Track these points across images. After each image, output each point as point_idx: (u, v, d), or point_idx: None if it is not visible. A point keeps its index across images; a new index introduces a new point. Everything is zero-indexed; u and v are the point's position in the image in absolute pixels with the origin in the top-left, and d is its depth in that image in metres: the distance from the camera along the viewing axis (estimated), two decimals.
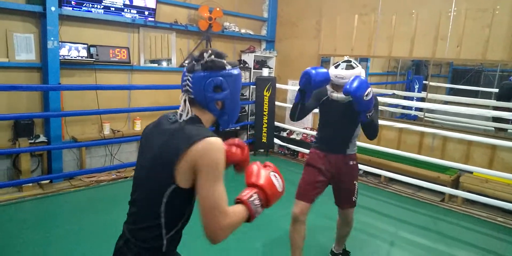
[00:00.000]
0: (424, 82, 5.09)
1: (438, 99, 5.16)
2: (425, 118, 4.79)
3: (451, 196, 4.16)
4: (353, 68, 2.18)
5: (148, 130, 1.33)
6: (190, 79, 1.22)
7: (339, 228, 2.74)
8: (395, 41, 4.79)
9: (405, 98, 5.49)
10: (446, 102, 5.12)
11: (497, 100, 4.72)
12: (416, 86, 5.47)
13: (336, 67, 2.22)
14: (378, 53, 4.99)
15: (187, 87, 1.23)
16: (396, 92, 5.81)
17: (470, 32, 4.15)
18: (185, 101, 1.24)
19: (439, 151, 4.47)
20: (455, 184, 4.19)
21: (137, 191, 1.27)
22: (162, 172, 1.15)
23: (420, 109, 4.95)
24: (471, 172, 4.14)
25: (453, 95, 5.42)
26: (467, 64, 5.36)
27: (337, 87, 2.21)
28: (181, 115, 1.22)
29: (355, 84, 1.98)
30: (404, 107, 5.38)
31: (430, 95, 4.81)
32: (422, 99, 5.02)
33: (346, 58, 2.29)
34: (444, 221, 3.69)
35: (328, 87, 2.26)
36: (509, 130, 4.40)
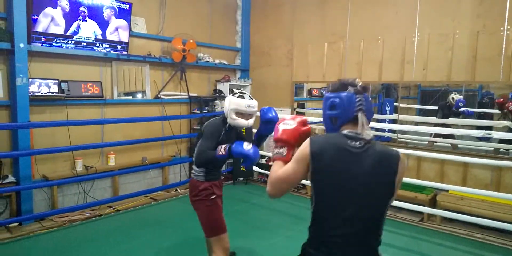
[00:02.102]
0: (395, 104, 5.25)
1: (409, 120, 5.32)
2: (398, 139, 4.91)
3: (430, 215, 4.19)
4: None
5: (330, 159, 1.38)
6: (363, 99, 1.43)
7: None
8: (364, 66, 4.96)
9: (378, 120, 5.63)
10: (417, 123, 5.27)
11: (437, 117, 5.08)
12: (388, 108, 5.64)
13: (241, 97, 2.47)
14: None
15: (362, 107, 1.43)
16: None
17: (434, 55, 4.36)
18: (362, 119, 1.43)
19: (414, 171, 4.55)
20: (433, 203, 4.24)
21: (364, 213, 1.38)
22: (382, 188, 1.38)
23: (393, 131, 5.07)
24: (447, 190, 4.21)
25: (423, 115, 5.61)
26: (434, 85, 5.58)
27: (242, 115, 2.46)
28: (367, 134, 1.40)
29: (273, 112, 2.50)
30: (377, 129, 5.51)
31: (402, 117, 4.96)
32: (394, 121, 5.16)
33: (241, 90, 2.59)
34: (425, 241, 3.69)
35: (233, 116, 2.43)
36: (478, 147, 4.55)
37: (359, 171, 1.36)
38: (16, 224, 3.76)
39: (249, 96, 2.52)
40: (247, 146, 2.25)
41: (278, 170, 1.42)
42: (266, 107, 2.53)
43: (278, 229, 3.95)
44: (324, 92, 1.77)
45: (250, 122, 2.50)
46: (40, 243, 3.49)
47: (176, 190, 5.24)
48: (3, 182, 3.70)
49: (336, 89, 1.47)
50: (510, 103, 4.42)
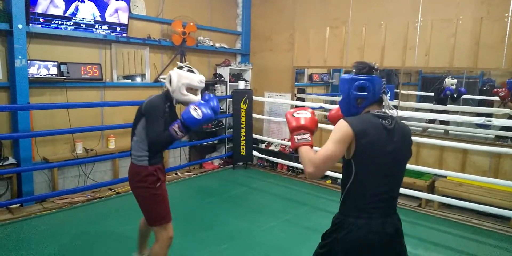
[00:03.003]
0: (395, 90, 5.24)
1: (410, 106, 5.31)
2: None
3: (428, 201, 4.24)
4: None
5: (372, 137, 1.51)
6: (385, 83, 1.63)
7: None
8: (366, 52, 4.92)
9: None
10: (417, 109, 5.27)
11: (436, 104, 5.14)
12: (388, 95, 5.61)
13: (191, 72, 2.33)
14: (350, 64, 5.07)
15: (385, 89, 1.62)
16: None
17: (437, 41, 4.32)
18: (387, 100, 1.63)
19: (413, 157, 4.57)
20: (431, 189, 4.28)
21: (393, 182, 1.59)
22: (407, 157, 1.65)
23: None
24: (445, 177, 4.24)
25: (423, 102, 5.60)
26: (436, 72, 5.55)
27: (191, 90, 2.33)
28: (392, 113, 1.62)
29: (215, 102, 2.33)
30: None
31: (402, 103, 4.94)
32: (394, 107, 5.15)
33: (186, 63, 2.42)
34: (422, 226, 3.74)
35: (184, 91, 2.28)
36: (478, 134, 4.57)
37: (394, 146, 1.55)
38: (18, 205, 3.80)
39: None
40: (194, 111, 2.12)
41: (314, 152, 1.51)
42: (211, 94, 2.38)
43: (276, 213, 3.99)
44: (342, 74, 1.83)
45: (199, 97, 2.36)
46: (41, 224, 3.53)
47: (176, 174, 5.27)
48: (4, 163, 3.71)
49: (365, 72, 1.60)
50: (499, 90, 4.43)
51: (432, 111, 5.03)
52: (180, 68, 2.34)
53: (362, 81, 1.58)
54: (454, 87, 5.07)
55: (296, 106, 5.76)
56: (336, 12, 5.17)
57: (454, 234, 3.59)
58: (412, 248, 3.24)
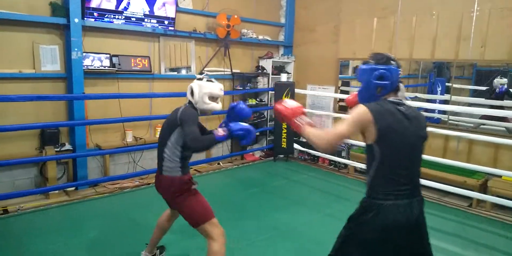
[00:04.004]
0: (447, 84, 4.97)
1: (462, 101, 5.02)
2: (449, 121, 4.67)
3: (479, 201, 4.02)
4: None
5: (390, 121, 1.62)
6: (401, 72, 1.71)
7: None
8: (416, 43, 4.71)
9: (428, 101, 5.37)
10: (470, 104, 4.97)
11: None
12: (439, 89, 5.34)
13: (211, 81, 2.44)
14: (398, 56, 4.91)
15: (400, 79, 1.71)
16: (418, 95, 5.69)
17: (495, 31, 4.04)
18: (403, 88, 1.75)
19: (464, 155, 4.34)
20: (483, 189, 4.06)
21: (415, 165, 1.71)
22: (423, 140, 1.73)
23: (444, 112, 4.82)
24: (500, 176, 3.99)
25: (477, 97, 5.27)
26: (492, 65, 5.19)
27: (213, 99, 2.40)
28: (406, 100, 1.73)
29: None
30: (426, 110, 5.26)
31: (454, 97, 4.69)
32: (445, 102, 4.89)
33: (205, 74, 2.51)
34: (473, 227, 3.56)
35: (206, 100, 2.36)
36: None
37: (411, 129, 1.65)
38: (73, 188, 4.07)
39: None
40: (242, 123, 2.29)
41: (322, 131, 1.68)
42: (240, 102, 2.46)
43: (318, 206, 3.97)
44: (362, 64, 1.80)
45: (220, 105, 2.45)
46: (94, 207, 3.77)
47: (218, 164, 5.38)
48: (61, 149, 3.98)
49: (383, 62, 1.68)
50: None
51: (487, 106, 4.69)
52: (199, 79, 2.43)
53: (381, 70, 1.66)
54: (506, 86, 4.71)
55: (341, 91, 5.65)
56: (385, 1, 4.98)
57: (507, 237, 3.39)
58: (462, 249, 3.12)
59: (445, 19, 4.43)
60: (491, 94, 4.79)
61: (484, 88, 5.19)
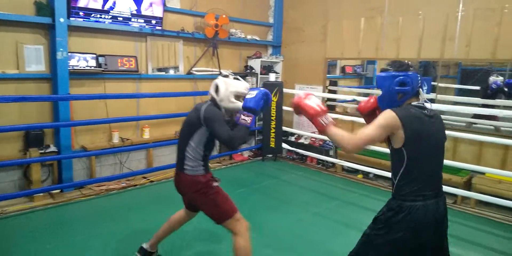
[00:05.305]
0: (433, 83, 5.04)
1: (448, 100, 5.10)
2: None
3: (464, 198, 4.09)
4: None
5: (417, 126, 1.69)
6: (421, 78, 1.78)
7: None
8: (403, 43, 4.76)
9: None
10: (455, 103, 5.04)
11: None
12: (425, 88, 5.39)
13: (237, 79, 2.42)
14: (385, 55, 4.96)
15: (420, 84, 1.77)
16: None
17: (479, 31, 4.11)
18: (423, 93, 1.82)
19: (450, 153, 4.41)
20: (468, 186, 4.12)
21: (439, 165, 1.80)
22: (444, 142, 1.83)
23: None
24: (484, 173, 4.06)
25: (462, 95, 5.35)
26: (476, 65, 5.28)
27: (238, 98, 2.35)
28: (428, 104, 1.79)
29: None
30: None
31: (440, 96, 4.76)
32: (431, 100, 4.95)
33: (230, 71, 2.45)
34: (458, 224, 3.61)
35: (232, 99, 2.32)
36: None
37: (435, 132, 1.75)
38: (58, 191, 4.00)
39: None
40: (252, 94, 2.22)
41: (346, 132, 1.71)
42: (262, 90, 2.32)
43: (306, 205, 3.99)
44: (381, 72, 1.87)
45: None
46: (80, 210, 3.71)
47: None
48: (46, 151, 3.91)
49: (403, 69, 1.76)
50: None
51: (475, 105, 4.76)
52: (226, 76, 2.39)
53: (402, 77, 1.73)
54: (499, 83, 4.79)
55: (329, 91, 5.68)
56: (372, 2, 5.02)
57: (491, 233, 3.45)
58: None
59: (431, 20, 4.49)
60: (486, 90, 4.83)
61: (470, 87, 5.27)
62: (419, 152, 1.69)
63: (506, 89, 4.66)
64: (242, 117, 2.20)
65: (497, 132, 4.40)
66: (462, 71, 5.63)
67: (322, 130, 1.76)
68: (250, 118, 2.19)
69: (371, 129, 1.66)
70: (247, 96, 2.22)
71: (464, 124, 4.77)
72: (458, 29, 4.27)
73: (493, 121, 4.51)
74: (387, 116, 1.67)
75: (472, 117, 4.68)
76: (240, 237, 2.24)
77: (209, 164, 2.44)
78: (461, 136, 3.98)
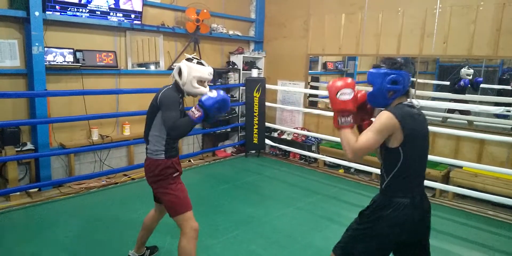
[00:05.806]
0: (411, 79, 5.14)
1: (426, 95, 5.21)
2: None
3: (442, 191, 4.20)
4: None
5: (413, 125, 1.70)
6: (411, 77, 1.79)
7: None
8: (383, 39, 4.82)
9: None
10: (433, 98, 5.17)
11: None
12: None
13: (201, 64, 2.32)
14: (366, 51, 5.02)
15: (410, 83, 1.79)
16: None
17: (456, 28, 4.20)
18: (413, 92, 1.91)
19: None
20: (446, 179, 4.24)
21: (425, 163, 1.83)
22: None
23: None
24: (461, 167, 4.18)
25: (440, 91, 5.48)
26: (453, 61, 5.41)
27: (201, 83, 2.33)
28: (417, 103, 1.79)
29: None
30: None
31: (418, 92, 4.86)
32: None
33: (194, 54, 2.43)
34: (436, 216, 3.71)
35: (195, 84, 2.28)
36: (495, 124, 4.46)
37: (426, 131, 1.78)
38: (36, 189, 3.90)
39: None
40: (213, 93, 2.14)
41: (354, 138, 1.69)
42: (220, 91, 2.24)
43: (289, 200, 4.02)
44: (372, 68, 1.85)
45: (208, 89, 2.35)
46: (59, 208, 3.63)
47: (189, 161, 5.33)
48: (22, 149, 3.80)
49: (396, 67, 1.76)
50: None
51: (450, 100, 4.92)
52: (189, 60, 2.32)
53: (394, 75, 1.74)
54: (471, 77, 4.93)
55: (311, 87, 5.71)
56: None
57: (468, 225, 3.56)
58: None
59: (410, 16, 4.56)
60: (455, 84, 4.99)
61: (447, 83, 5.40)
62: (415, 151, 1.72)
63: (472, 86, 4.85)
64: (193, 109, 2.14)
65: (470, 126, 4.54)
66: (440, 67, 5.77)
67: (336, 127, 1.78)
68: (200, 113, 2.12)
69: (371, 135, 1.66)
70: (209, 94, 2.16)
71: (440, 118, 4.90)
72: (436, 25, 4.35)
73: (467, 115, 4.66)
74: (385, 117, 1.67)
75: (447, 112, 4.82)
76: (184, 237, 2.22)
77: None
78: (439, 131, 4.08)
